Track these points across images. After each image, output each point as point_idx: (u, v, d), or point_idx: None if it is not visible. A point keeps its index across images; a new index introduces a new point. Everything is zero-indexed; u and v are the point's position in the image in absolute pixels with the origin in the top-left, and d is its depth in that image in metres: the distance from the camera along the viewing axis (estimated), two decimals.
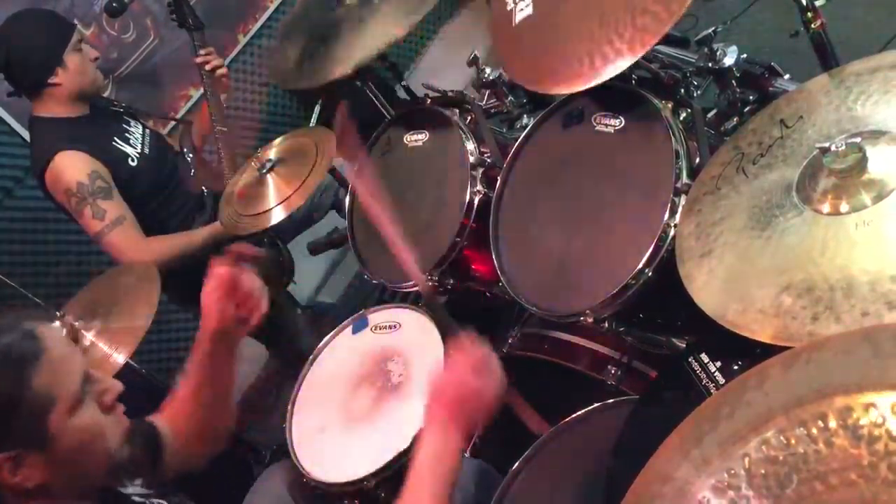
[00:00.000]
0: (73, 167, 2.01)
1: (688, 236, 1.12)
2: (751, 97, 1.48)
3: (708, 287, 1.02)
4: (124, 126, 2.24)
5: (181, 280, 2.10)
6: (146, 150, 2.23)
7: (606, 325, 1.52)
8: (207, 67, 2.34)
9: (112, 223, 2.03)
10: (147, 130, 2.31)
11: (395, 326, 1.80)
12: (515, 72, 1.59)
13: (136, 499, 1.10)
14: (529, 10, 1.46)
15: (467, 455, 1.61)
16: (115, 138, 2.17)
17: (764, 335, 0.91)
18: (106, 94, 2.60)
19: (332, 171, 1.94)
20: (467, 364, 1.06)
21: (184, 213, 2.27)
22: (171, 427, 1.29)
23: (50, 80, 2.04)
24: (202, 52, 2.35)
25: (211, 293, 1.24)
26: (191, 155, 2.35)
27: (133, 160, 2.17)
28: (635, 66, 1.53)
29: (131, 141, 2.22)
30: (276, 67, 2.17)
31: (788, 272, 0.95)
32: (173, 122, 2.71)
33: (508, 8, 1.51)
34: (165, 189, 2.24)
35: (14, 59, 2.01)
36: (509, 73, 1.71)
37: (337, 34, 1.86)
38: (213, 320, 1.25)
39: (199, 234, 2.15)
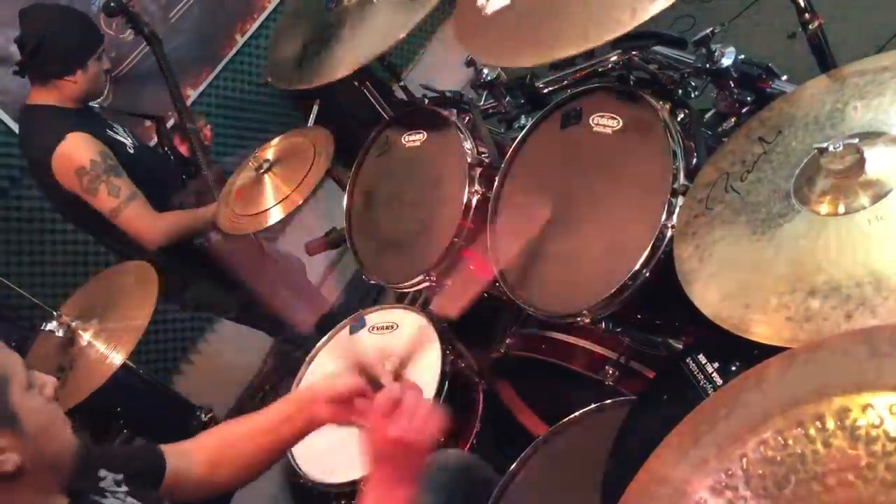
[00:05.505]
0: (84, 147, 2.10)
1: (688, 259, 1.11)
2: (748, 98, 1.48)
3: (725, 305, 1.01)
4: (112, 123, 2.34)
5: (170, 274, 2.18)
6: (136, 143, 2.35)
7: (604, 325, 1.53)
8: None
9: (127, 199, 2.12)
10: (129, 132, 2.39)
11: (392, 327, 1.80)
12: (483, 51, 1.52)
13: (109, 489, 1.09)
14: (506, 1, 1.42)
15: (465, 456, 1.61)
16: (109, 130, 2.26)
17: (797, 343, 0.90)
18: (103, 96, 2.62)
19: (329, 171, 1.94)
20: (382, 421, 1.00)
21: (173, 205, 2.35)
22: (201, 455, 1.21)
23: (67, 77, 2.11)
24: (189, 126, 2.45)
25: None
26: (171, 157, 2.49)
27: (131, 148, 2.27)
28: (633, 67, 1.54)
29: (122, 134, 2.32)
30: (275, 69, 2.16)
31: (807, 277, 0.94)
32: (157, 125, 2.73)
33: (479, 3, 1.48)
34: (158, 178, 2.33)
35: (45, 46, 2.07)
36: (471, 50, 1.61)
37: (337, 35, 1.85)
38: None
39: (205, 212, 2.25)
